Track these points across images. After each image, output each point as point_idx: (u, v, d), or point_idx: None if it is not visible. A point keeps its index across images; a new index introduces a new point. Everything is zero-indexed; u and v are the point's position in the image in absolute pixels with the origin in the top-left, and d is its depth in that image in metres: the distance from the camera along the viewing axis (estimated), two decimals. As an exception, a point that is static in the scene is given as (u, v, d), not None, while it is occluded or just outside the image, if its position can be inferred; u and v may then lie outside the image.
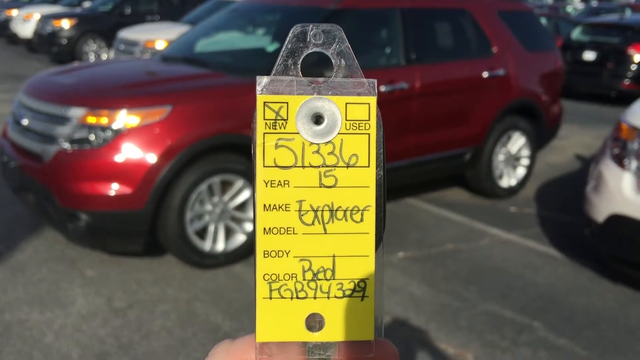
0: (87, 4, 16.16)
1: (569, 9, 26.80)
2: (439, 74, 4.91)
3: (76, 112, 3.61)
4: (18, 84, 11.23)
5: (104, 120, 3.58)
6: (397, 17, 4.73)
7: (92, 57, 13.71)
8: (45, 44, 13.82)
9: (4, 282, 3.66)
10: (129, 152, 3.56)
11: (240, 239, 4.05)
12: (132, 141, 3.57)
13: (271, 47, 4.65)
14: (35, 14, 15.19)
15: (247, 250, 4.07)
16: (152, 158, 3.57)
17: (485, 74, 5.18)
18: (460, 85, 5.04)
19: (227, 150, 3.88)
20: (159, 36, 9.62)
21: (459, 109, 5.07)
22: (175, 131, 3.64)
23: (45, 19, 14.08)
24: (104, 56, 13.66)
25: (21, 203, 4.35)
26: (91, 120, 3.59)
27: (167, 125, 3.63)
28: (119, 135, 3.56)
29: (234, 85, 3.95)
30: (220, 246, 3.96)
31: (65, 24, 13.62)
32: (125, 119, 3.57)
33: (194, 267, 3.92)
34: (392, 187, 5.26)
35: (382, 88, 4.51)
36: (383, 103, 4.51)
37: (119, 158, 3.55)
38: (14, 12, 16.51)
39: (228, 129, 3.81)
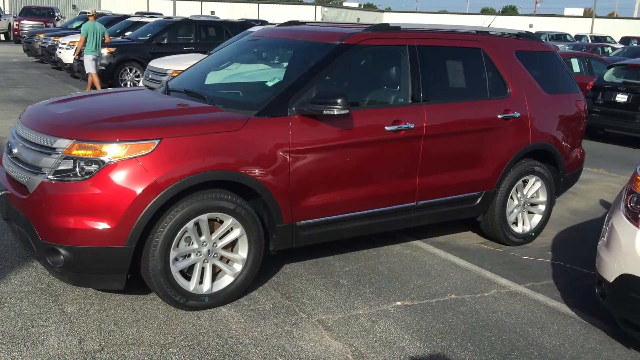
0: (128, 34, 16.48)
1: (607, 49, 26.35)
2: (448, 115, 4.70)
3: (62, 143, 3.51)
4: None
5: (89, 153, 3.47)
6: (405, 55, 4.56)
7: (129, 85, 13.94)
8: (84, 70, 14.08)
9: (-21, 315, 3.56)
10: (112, 186, 3.43)
11: (227, 280, 3.88)
12: (116, 175, 3.44)
13: (271, 82, 4.53)
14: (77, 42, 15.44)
15: (234, 292, 3.89)
16: (135, 193, 3.44)
17: (499, 116, 4.95)
18: (472, 127, 4.82)
19: (217, 187, 3.74)
20: (186, 67, 9.64)
21: (469, 150, 4.84)
22: (162, 166, 3.51)
23: None
24: (140, 84, 13.88)
25: (11, 232, 4.27)
26: (77, 152, 3.48)
27: (154, 160, 3.50)
28: (104, 168, 3.44)
29: (227, 120, 3.82)
30: (205, 287, 3.79)
31: (104, 51, 13.88)
32: (111, 151, 3.46)
33: (176, 307, 3.75)
34: (398, 230, 5.04)
35: (387, 127, 4.33)
36: (388, 142, 4.34)
37: (101, 192, 3.42)
38: (61, 39, 16.88)
39: (217, 165, 3.66)
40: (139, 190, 3.45)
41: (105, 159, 3.46)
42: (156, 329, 3.53)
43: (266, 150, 3.86)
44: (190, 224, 3.65)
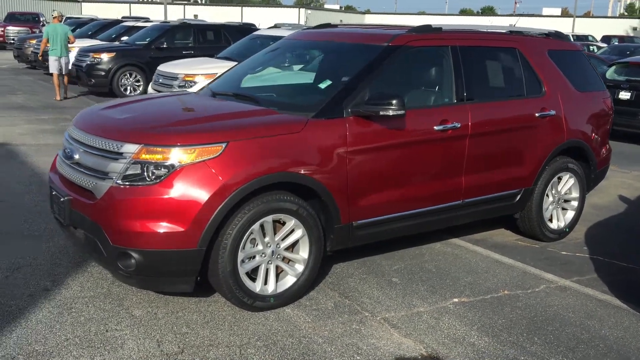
0: (124, 38, 16.38)
1: (592, 48, 26.75)
2: (491, 113, 4.78)
3: (130, 148, 3.52)
4: (60, 114, 11.32)
5: (158, 157, 3.48)
6: (449, 55, 4.63)
7: (129, 90, 13.87)
8: (83, 75, 13.98)
9: (51, 321, 3.54)
10: (183, 190, 3.45)
11: (290, 280, 3.91)
12: (186, 178, 3.46)
13: (323, 84, 4.57)
14: (75, 47, 15.33)
15: (297, 293, 3.92)
16: (205, 196, 3.46)
17: (536, 114, 5.05)
18: (512, 125, 4.91)
19: (280, 188, 3.77)
20: (198, 70, 9.66)
21: (510, 149, 4.93)
22: (230, 169, 3.54)
23: (84, 51, 14.25)
24: (141, 89, 13.83)
25: (67, 238, 4.25)
26: (145, 156, 3.49)
27: (222, 163, 3.53)
28: (173, 172, 3.46)
29: (289, 123, 3.86)
30: (270, 288, 3.82)
31: (104, 56, 13.85)
32: (179, 155, 3.48)
33: (243, 308, 3.77)
34: (442, 229, 5.10)
35: (436, 127, 4.39)
36: (436, 142, 4.40)
37: (172, 195, 3.44)
38: None
39: (281, 167, 3.70)
40: (209, 193, 3.47)
41: (174, 162, 3.48)
42: (228, 330, 3.55)
43: (325, 151, 3.90)
44: (256, 226, 3.68)
